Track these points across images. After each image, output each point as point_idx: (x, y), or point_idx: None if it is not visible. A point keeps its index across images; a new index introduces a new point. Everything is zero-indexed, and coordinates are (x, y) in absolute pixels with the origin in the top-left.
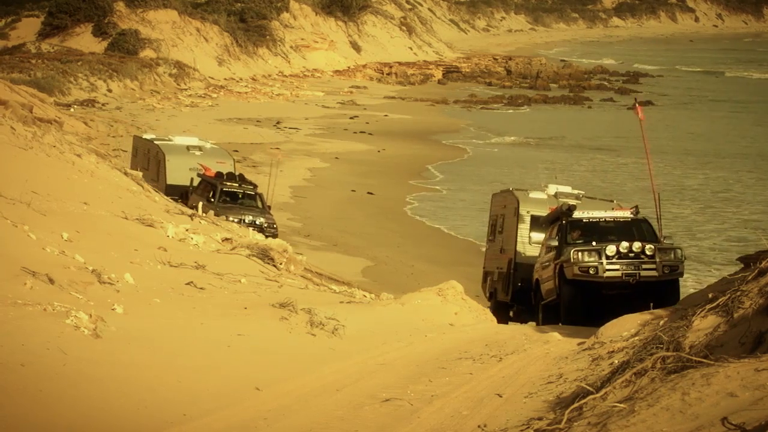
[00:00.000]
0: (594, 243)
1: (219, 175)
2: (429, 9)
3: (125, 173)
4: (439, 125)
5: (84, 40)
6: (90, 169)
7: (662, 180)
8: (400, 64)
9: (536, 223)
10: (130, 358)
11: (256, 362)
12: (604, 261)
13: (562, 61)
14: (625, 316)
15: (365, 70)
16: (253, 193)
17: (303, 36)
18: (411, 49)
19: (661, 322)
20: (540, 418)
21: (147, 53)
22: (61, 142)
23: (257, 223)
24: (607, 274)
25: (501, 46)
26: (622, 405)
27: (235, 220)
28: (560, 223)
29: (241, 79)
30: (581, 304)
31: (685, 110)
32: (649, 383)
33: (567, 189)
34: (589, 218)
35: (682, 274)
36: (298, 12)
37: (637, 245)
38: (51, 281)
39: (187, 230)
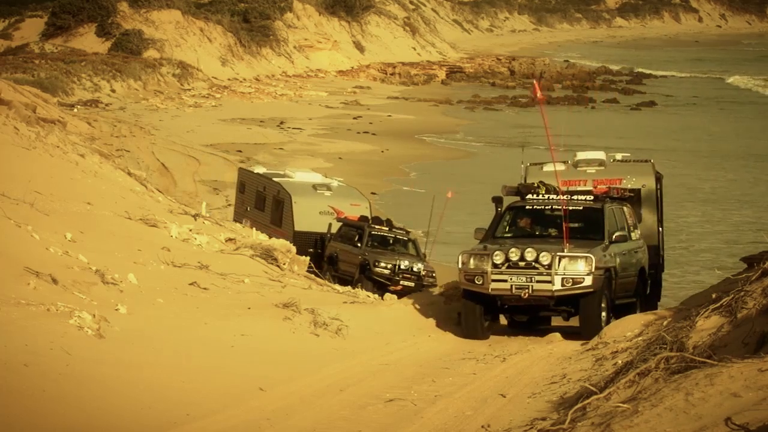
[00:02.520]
0: (518, 240)
1: (363, 218)
2: (432, 9)
3: (129, 173)
4: (441, 125)
5: (87, 41)
6: (93, 170)
7: (677, 180)
8: (403, 64)
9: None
10: (133, 359)
11: (260, 362)
12: (490, 270)
13: (566, 61)
14: (629, 316)
15: (369, 70)
16: (405, 239)
17: (306, 36)
18: (414, 49)
19: (665, 323)
20: (543, 419)
21: (150, 53)
22: (64, 143)
23: (414, 269)
24: (494, 286)
25: (504, 46)
26: (625, 405)
27: (389, 265)
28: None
29: (244, 79)
30: (479, 319)
31: (687, 111)
32: (652, 383)
33: (597, 155)
34: (525, 204)
35: (594, 290)
36: (302, 12)
37: (530, 252)
38: (54, 281)
39: (190, 230)
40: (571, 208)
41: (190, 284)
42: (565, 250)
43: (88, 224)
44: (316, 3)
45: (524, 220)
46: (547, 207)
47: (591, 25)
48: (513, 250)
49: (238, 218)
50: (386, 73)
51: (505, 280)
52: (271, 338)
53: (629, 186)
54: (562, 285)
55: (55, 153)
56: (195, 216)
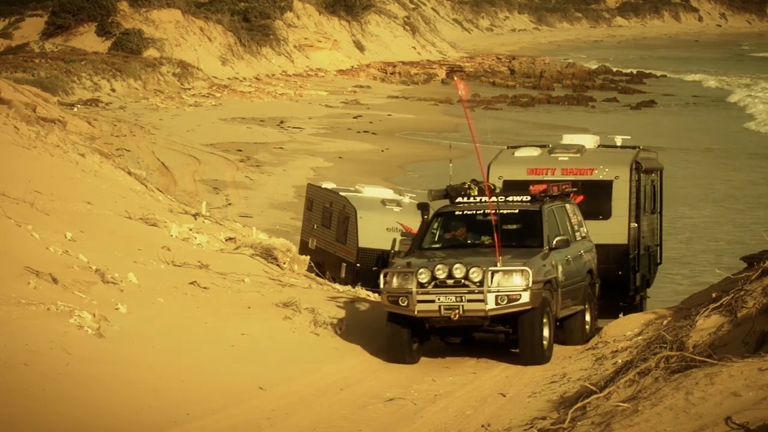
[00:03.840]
0: (448, 252)
1: None
2: (432, 8)
3: (129, 173)
4: (441, 124)
5: (87, 40)
6: (93, 169)
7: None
8: (403, 63)
9: (513, 190)
10: (133, 358)
11: (260, 362)
12: (415, 290)
13: (566, 60)
14: (629, 315)
15: (369, 69)
16: None
17: (306, 35)
18: (414, 48)
19: (665, 322)
20: (544, 418)
21: (150, 53)
22: (64, 142)
23: None
24: (420, 308)
25: (504, 45)
26: (625, 404)
27: None
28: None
29: (244, 78)
30: (406, 343)
31: (689, 110)
32: (652, 383)
33: (582, 140)
34: (455, 209)
35: (532, 307)
36: (302, 11)
37: (459, 268)
38: (54, 281)
39: (190, 230)
40: (504, 211)
41: (190, 283)
42: (498, 264)
43: (88, 223)
44: (316, 2)
45: (454, 227)
46: (478, 212)
47: (591, 24)
48: (440, 266)
49: (305, 237)
50: (386, 73)
51: (433, 301)
52: (271, 337)
53: (600, 177)
54: (497, 303)
55: (56, 152)
56: (195, 215)
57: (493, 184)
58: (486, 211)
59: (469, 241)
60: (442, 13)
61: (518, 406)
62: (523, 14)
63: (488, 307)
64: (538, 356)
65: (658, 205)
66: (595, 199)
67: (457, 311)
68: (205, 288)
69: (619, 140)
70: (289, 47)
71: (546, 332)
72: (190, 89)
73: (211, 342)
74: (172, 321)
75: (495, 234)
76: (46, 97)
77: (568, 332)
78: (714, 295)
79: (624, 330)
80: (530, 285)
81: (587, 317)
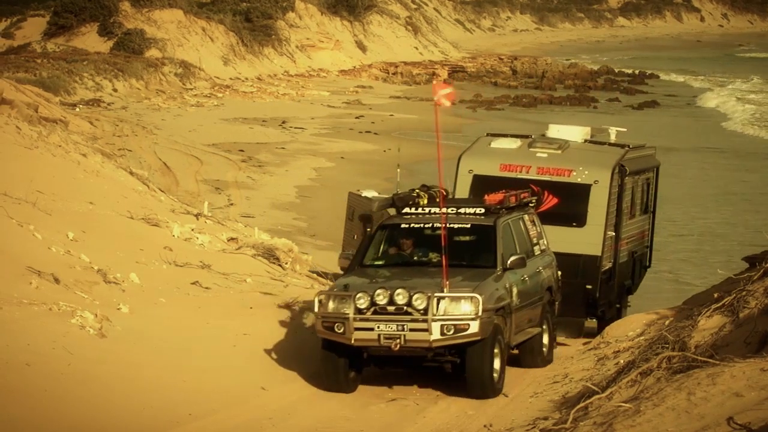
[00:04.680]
0: (391, 271)
1: None
2: (434, 9)
3: (131, 173)
4: (443, 124)
5: (89, 40)
6: (95, 169)
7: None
8: (405, 63)
9: (483, 187)
10: (135, 358)
11: (262, 362)
12: (353, 316)
13: (568, 60)
14: (631, 315)
15: (371, 69)
16: None
17: (308, 36)
18: (416, 48)
19: (667, 322)
20: (545, 418)
21: (152, 53)
22: (66, 142)
23: None
24: (358, 336)
25: (506, 45)
26: (627, 405)
27: None
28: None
29: (246, 78)
30: (342, 372)
31: (692, 111)
32: (654, 383)
33: (569, 132)
34: (401, 221)
35: (481, 338)
36: (304, 12)
37: (401, 294)
38: (56, 281)
39: (192, 230)
40: (455, 225)
41: (192, 284)
42: (445, 289)
43: (90, 224)
44: (318, 2)
45: (399, 241)
46: (426, 225)
47: (593, 24)
48: (380, 291)
49: (347, 247)
50: (388, 73)
51: (372, 329)
52: (273, 338)
53: (578, 180)
54: (442, 334)
55: (57, 152)
56: (197, 215)
57: (446, 190)
58: (435, 224)
59: (415, 258)
60: (444, 14)
61: (520, 406)
62: (525, 14)
63: (433, 337)
64: (487, 390)
65: (651, 205)
66: (570, 203)
67: (398, 341)
68: (207, 288)
69: (613, 132)
70: (291, 47)
71: (497, 363)
72: (192, 89)
73: (213, 342)
74: (174, 321)
75: (443, 255)
76: (48, 97)
77: (524, 356)
78: (716, 295)
79: (626, 330)
80: (480, 313)
81: (545, 339)
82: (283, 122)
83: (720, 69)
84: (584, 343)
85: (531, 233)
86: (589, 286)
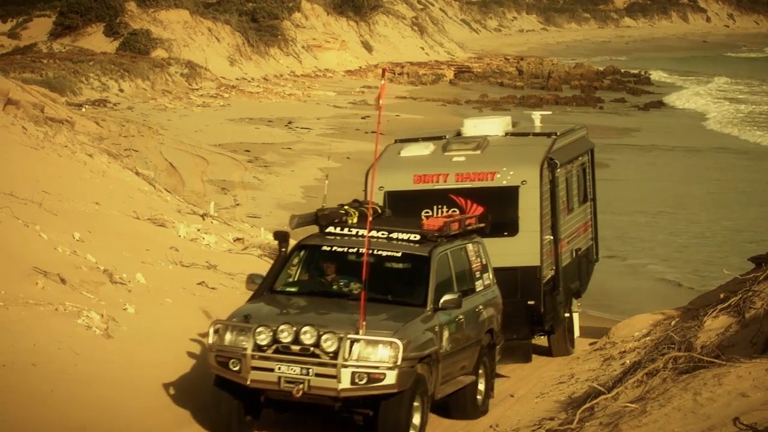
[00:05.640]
0: (306, 300)
1: None
2: (440, 9)
3: (137, 173)
4: (449, 125)
5: (95, 40)
6: (101, 169)
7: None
8: (411, 64)
9: (399, 206)
10: (141, 358)
11: None
12: (250, 353)
13: (573, 61)
14: (637, 316)
15: (377, 70)
16: None
17: (315, 36)
18: (423, 49)
19: (673, 323)
20: (551, 418)
21: (158, 53)
22: (72, 142)
23: None
24: (255, 376)
25: (512, 46)
26: (633, 405)
27: None
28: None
29: (252, 79)
30: (236, 415)
31: (695, 110)
32: (660, 383)
33: (485, 127)
34: (322, 243)
35: (399, 390)
36: (310, 12)
37: (308, 332)
38: (63, 281)
39: (198, 230)
40: (384, 253)
41: (198, 284)
42: (361, 331)
43: (96, 224)
44: (324, 3)
45: (319, 266)
46: (351, 249)
47: (599, 24)
48: (284, 327)
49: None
50: (394, 73)
51: (272, 369)
52: None
53: (503, 183)
54: (353, 382)
55: (64, 153)
56: (203, 216)
57: (380, 207)
58: (361, 249)
59: (335, 287)
60: (450, 14)
61: (526, 406)
62: (531, 15)
63: (341, 386)
64: None
65: (590, 192)
66: (498, 210)
67: (301, 387)
68: (213, 288)
69: (537, 118)
70: (297, 48)
71: (417, 419)
72: (198, 90)
73: None
74: (180, 321)
75: (362, 292)
76: (54, 97)
77: (453, 406)
78: (722, 295)
79: (632, 330)
80: (399, 362)
81: (481, 387)
82: (289, 122)
83: (701, 68)
84: (590, 344)
85: (473, 266)
86: (531, 302)
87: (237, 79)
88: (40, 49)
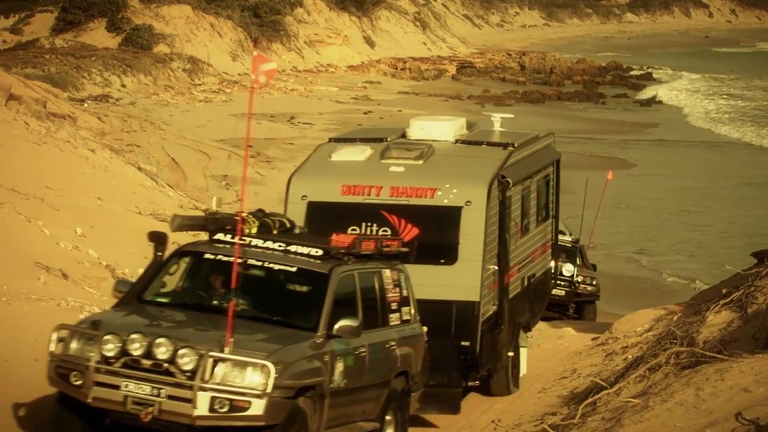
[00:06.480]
0: (175, 312)
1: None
2: (443, 4)
3: (139, 168)
4: None
5: (98, 36)
6: (104, 165)
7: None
8: (413, 59)
9: (322, 219)
10: None
11: None
12: (94, 365)
13: (576, 56)
14: (639, 311)
15: (379, 65)
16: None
17: (317, 31)
18: (425, 44)
19: (675, 318)
20: (554, 413)
21: (161, 48)
22: (74, 138)
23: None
24: (97, 393)
25: (515, 41)
26: (636, 400)
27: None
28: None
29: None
30: None
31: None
32: (662, 378)
33: (433, 131)
34: (205, 251)
35: (266, 424)
36: (312, 7)
37: (163, 344)
38: (65, 276)
39: None
40: (277, 266)
41: None
42: (227, 348)
43: (98, 219)
44: None
45: (202, 277)
46: (239, 260)
47: (601, 20)
48: (135, 336)
49: None
50: (396, 68)
51: (117, 386)
52: None
53: (444, 202)
54: (212, 409)
55: (66, 148)
56: (205, 211)
57: (288, 219)
58: (255, 261)
59: (215, 302)
60: (452, 9)
61: (528, 401)
62: (534, 10)
63: (197, 412)
64: None
65: (552, 209)
66: (435, 233)
67: (150, 410)
68: None
69: (497, 121)
70: (300, 43)
71: None
72: (200, 85)
73: None
74: None
75: (231, 303)
76: (56, 92)
77: None
78: (724, 291)
79: (634, 326)
80: (269, 389)
81: None
82: (292, 118)
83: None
84: (593, 339)
85: (389, 295)
86: (465, 343)
87: (239, 74)
88: (42, 45)
